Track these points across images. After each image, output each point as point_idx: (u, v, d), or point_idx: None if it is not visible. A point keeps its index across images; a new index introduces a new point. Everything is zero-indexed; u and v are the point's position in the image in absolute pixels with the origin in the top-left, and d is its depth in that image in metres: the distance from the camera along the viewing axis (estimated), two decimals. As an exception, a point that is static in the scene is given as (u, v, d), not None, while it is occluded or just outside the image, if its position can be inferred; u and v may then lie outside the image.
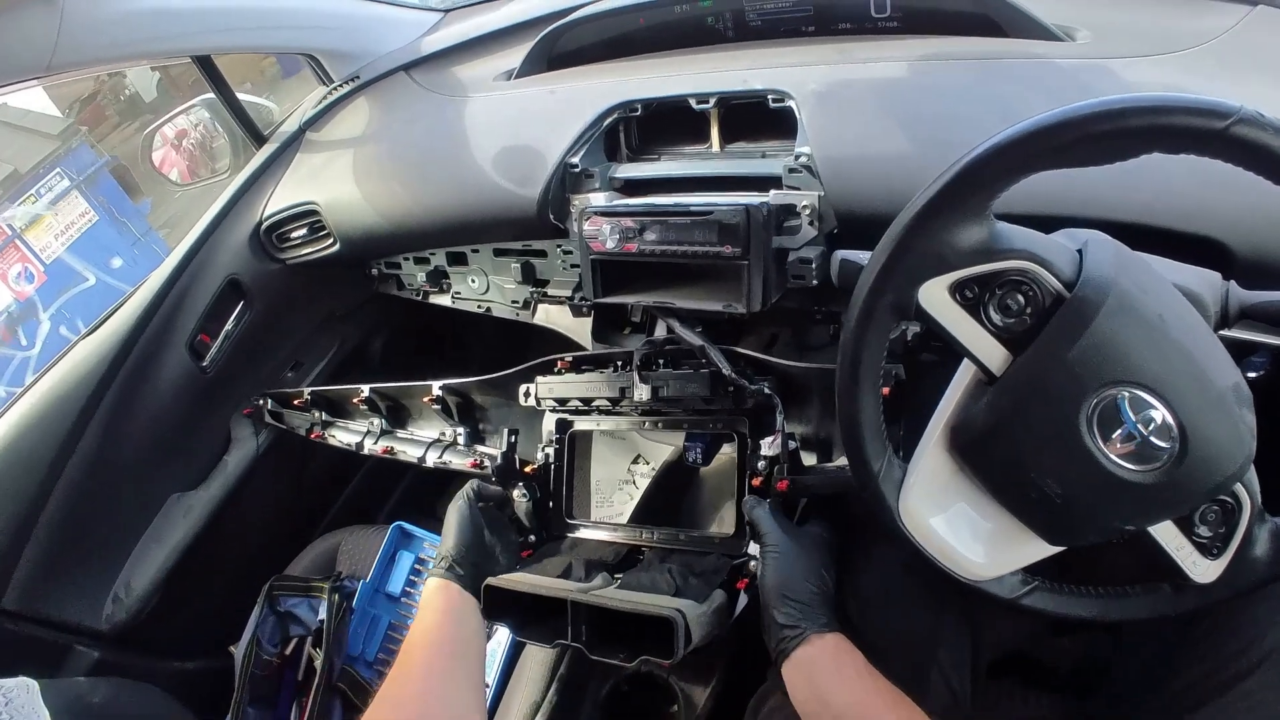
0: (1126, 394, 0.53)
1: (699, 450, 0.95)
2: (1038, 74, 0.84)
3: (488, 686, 1.19)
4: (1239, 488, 0.59)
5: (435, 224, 1.14)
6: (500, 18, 1.27)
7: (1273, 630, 0.71)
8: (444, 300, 1.27)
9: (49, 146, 4.21)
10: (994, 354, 0.57)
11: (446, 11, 1.48)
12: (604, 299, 0.94)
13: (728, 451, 0.96)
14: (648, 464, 1.36)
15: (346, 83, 1.35)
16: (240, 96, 1.40)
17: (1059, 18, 0.90)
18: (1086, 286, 0.53)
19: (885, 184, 0.81)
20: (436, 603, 0.88)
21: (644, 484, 1.50)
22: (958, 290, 0.56)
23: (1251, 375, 0.71)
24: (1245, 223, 0.73)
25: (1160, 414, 0.53)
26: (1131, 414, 0.53)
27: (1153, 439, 0.53)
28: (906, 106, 0.84)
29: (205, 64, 1.31)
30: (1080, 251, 0.57)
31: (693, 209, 0.84)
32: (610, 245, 0.89)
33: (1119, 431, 0.54)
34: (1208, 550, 0.61)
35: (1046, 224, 0.73)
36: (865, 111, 0.84)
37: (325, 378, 1.51)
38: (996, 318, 0.56)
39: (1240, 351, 0.67)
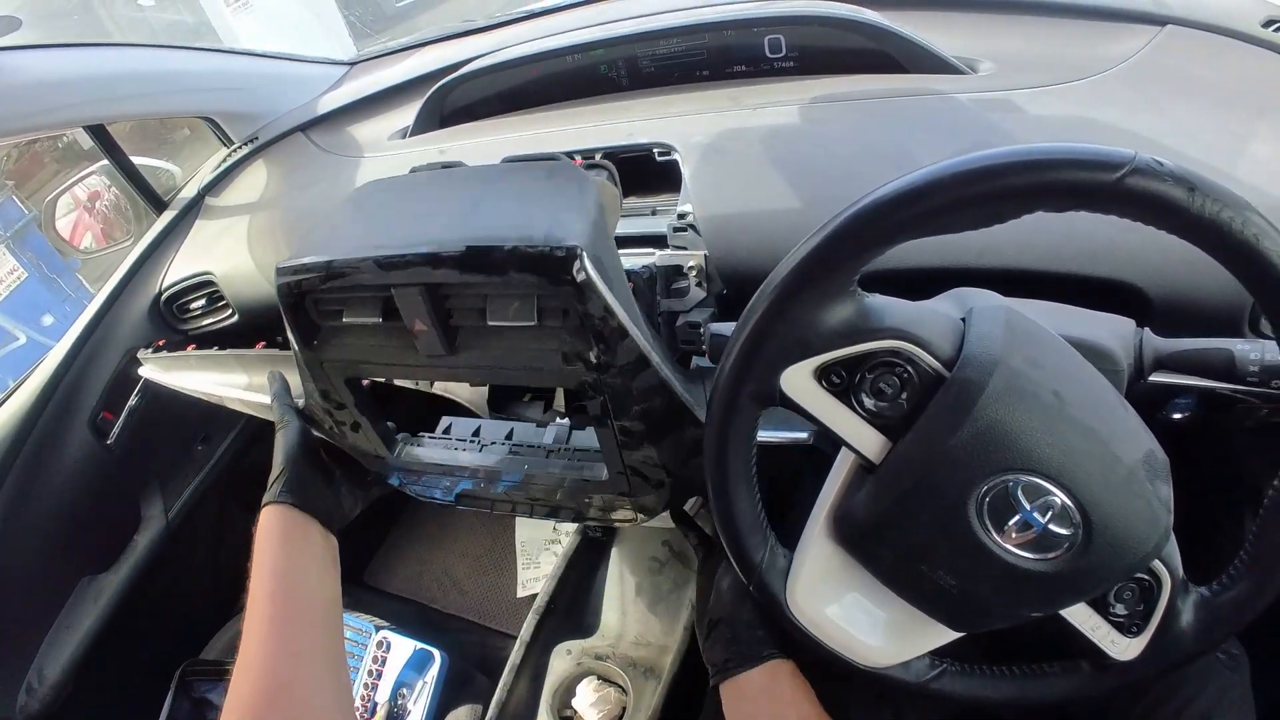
0: (1020, 481, 0.47)
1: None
2: (937, 112, 0.79)
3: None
4: (1156, 563, 0.53)
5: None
6: (400, 72, 1.22)
7: (1205, 691, 0.69)
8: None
9: (-28, 201, 4.11)
10: (870, 441, 0.51)
11: (352, 64, 1.43)
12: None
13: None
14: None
15: (245, 144, 1.30)
16: (139, 161, 1.34)
17: (961, 50, 0.86)
18: (968, 367, 0.48)
19: (768, 243, 0.76)
20: (276, 536, 0.71)
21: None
22: (824, 375, 0.50)
23: (1177, 416, 0.66)
24: (1158, 264, 0.68)
25: (1059, 499, 0.47)
26: (1026, 502, 0.47)
27: (1052, 527, 0.47)
28: (794, 156, 0.79)
29: (97, 131, 1.25)
30: (963, 322, 0.51)
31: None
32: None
33: (1014, 520, 0.48)
34: (1125, 629, 0.55)
35: (938, 279, 0.68)
36: (749, 164, 0.79)
37: (237, 449, 1.44)
38: (869, 403, 0.50)
39: (1164, 394, 0.63)
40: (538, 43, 1.03)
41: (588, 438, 0.77)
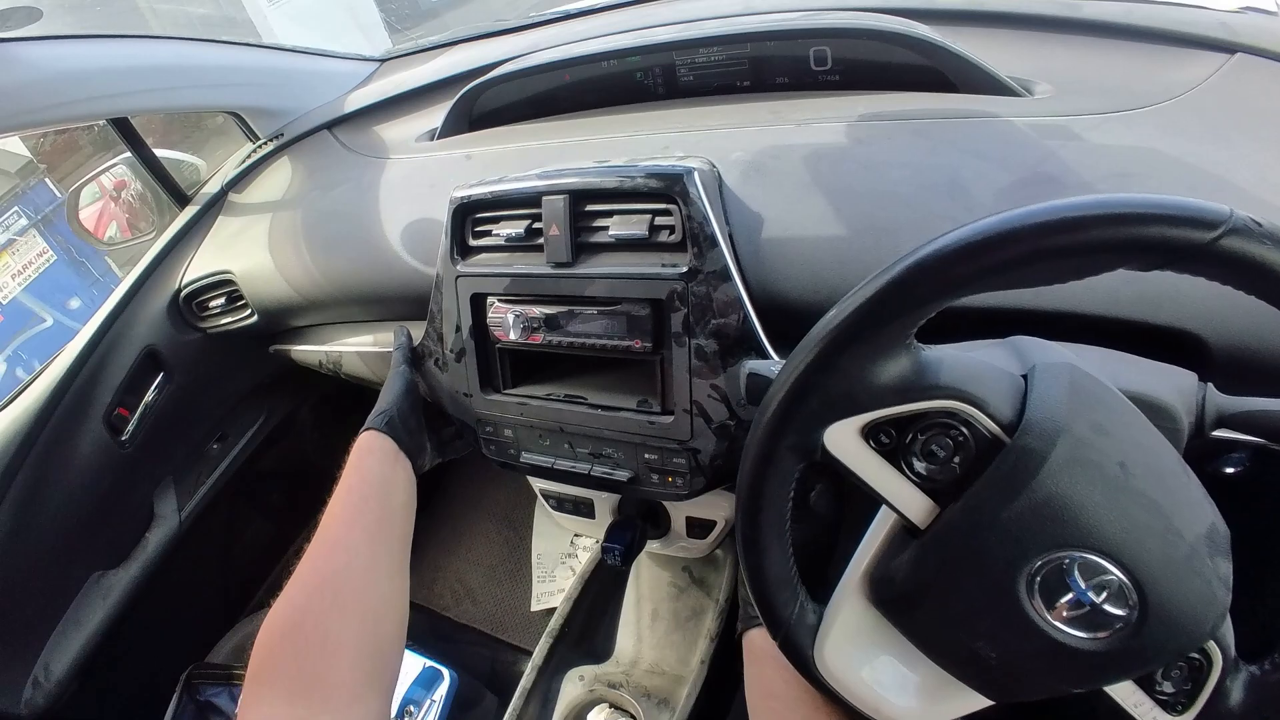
0: (1076, 558, 0.43)
1: (617, 552, 0.86)
2: (991, 137, 0.74)
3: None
4: (1210, 644, 0.49)
5: (343, 298, 1.05)
6: (430, 71, 1.19)
7: None
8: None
9: (7, 184, 4.14)
10: (916, 505, 0.47)
11: (382, 61, 1.40)
12: (511, 392, 0.85)
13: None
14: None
15: (271, 140, 1.27)
16: (163, 154, 1.32)
17: (1015, 70, 0.81)
18: (1030, 433, 0.43)
19: (810, 272, 0.72)
20: (374, 454, 0.79)
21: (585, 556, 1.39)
22: (872, 434, 0.46)
23: (1229, 471, 0.62)
24: (1222, 313, 0.62)
25: (1116, 578, 0.43)
26: (1081, 581, 0.43)
27: (1106, 606, 0.43)
28: (839, 178, 0.74)
29: (120, 124, 1.23)
30: (1025, 380, 0.47)
31: (600, 299, 0.75)
32: (514, 336, 0.80)
33: (1066, 598, 0.44)
34: (1171, 707, 0.51)
35: (987, 320, 0.64)
36: (791, 184, 0.75)
37: (252, 450, 1.42)
38: (919, 466, 0.46)
39: (1217, 448, 0.59)
40: (572, 47, 0.99)
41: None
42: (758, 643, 0.70)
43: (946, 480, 0.46)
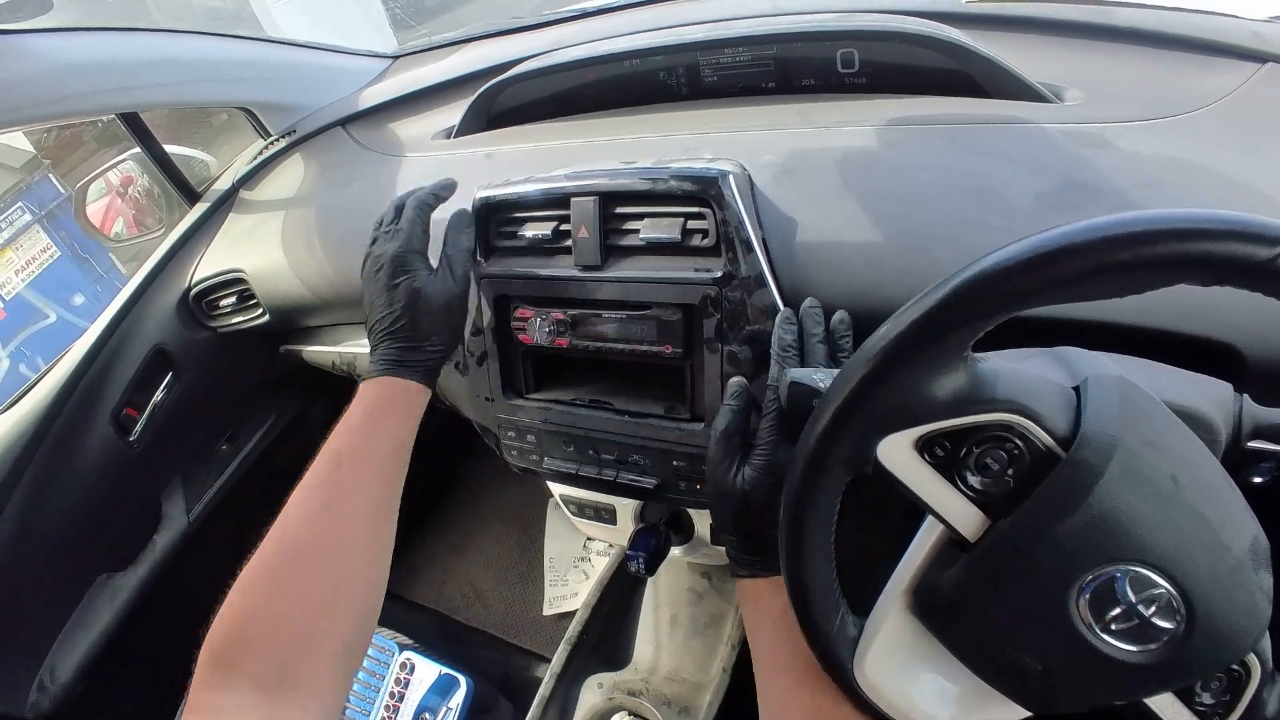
0: (1128, 572, 0.43)
1: (641, 560, 0.84)
2: (1022, 143, 0.73)
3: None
4: (1250, 655, 0.48)
5: (357, 298, 1.03)
6: (445, 68, 1.18)
7: None
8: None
9: (10, 179, 4.12)
10: (967, 518, 0.47)
11: (395, 58, 1.39)
12: (534, 396, 0.84)
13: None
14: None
15: (283, 137, 1.26)
16: (173, 150, 1.31)
17: (1044, 76, 0.80)
18: (1086, 447, 0.43)
19: (844, 280, 0.71)
20: (393, 408, 0.72)
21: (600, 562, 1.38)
22: (926, 447, 0.46)
23: (1258, 480, 0.62)
24: (1259, 324, 0.62)
25: (1165, 591, 0.43)
26: (1131, 594, 0.43)
27: (1155, 620, 0.43)
28: (870, 183, 0.73)
29: (130, 119, 1.22)
30: (1077, 393, 0.46)
31: (628, 302, 0.74)
32: (539, 339, 0.79)
33: (1115, 611, 0.43)
34: (1208, 718, 0.51)
35: (1019, 326, 0.63)
36: (823, 188, 0.74)
37: (262, 451, 1.41)
38: (973, 479, 0.46)
39: (1249, 458, 0.58)
40: (594, 45, 0.98)
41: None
42: (751, 591, 0.67)
43: (999, 493, 0.45)
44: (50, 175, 4.23)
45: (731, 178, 0.72)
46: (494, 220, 0.84)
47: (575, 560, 1.55)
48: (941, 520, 0.47)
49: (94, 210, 1.38)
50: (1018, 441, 0.45)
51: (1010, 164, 0.72)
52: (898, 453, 0.46)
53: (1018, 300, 0.39)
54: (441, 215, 0.82)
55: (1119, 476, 0.42)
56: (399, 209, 0.80)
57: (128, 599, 1.32)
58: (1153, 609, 0.42)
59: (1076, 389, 0.47)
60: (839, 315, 0.69)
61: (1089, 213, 0.66)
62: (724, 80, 0.92)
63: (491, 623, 1.56)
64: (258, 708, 0.54)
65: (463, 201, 0.85)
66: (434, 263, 0.78)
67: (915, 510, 0.50)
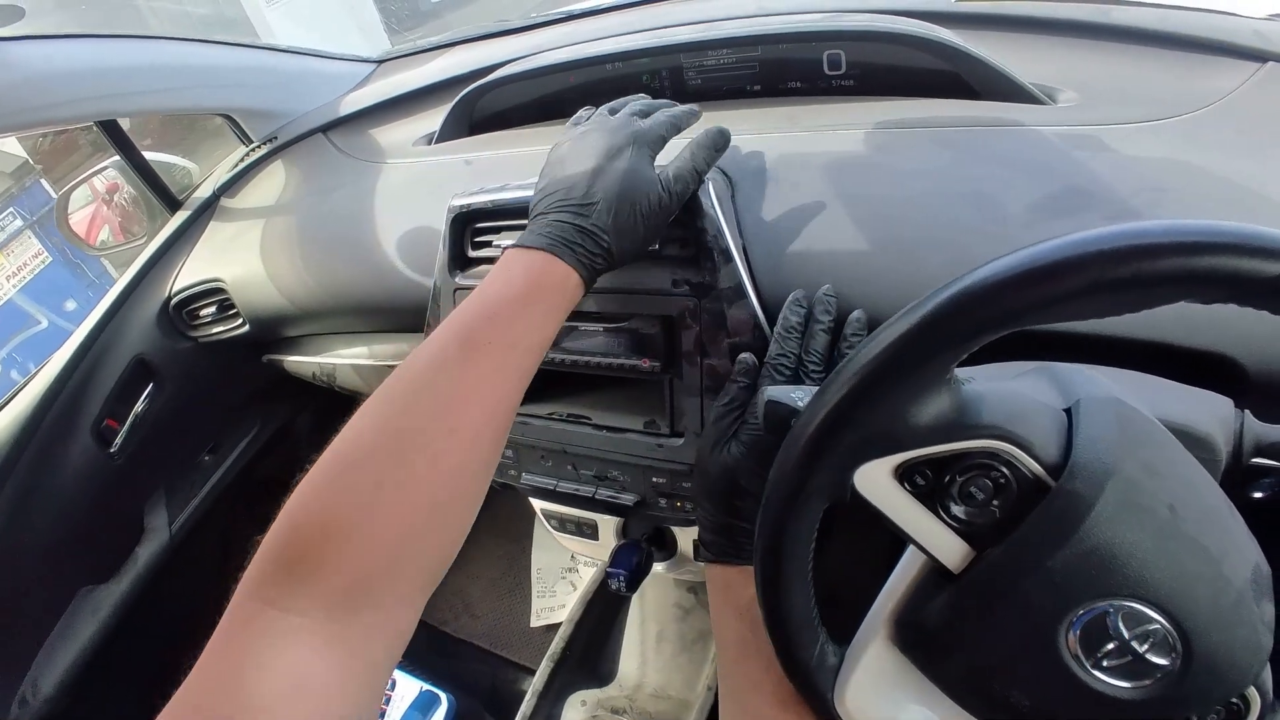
0: (1122, 608, 0.40)
1: (622, 578, 0.82)
2: (1016, 146, 0.70)
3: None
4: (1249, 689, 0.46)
5: (337, 309, 1.02)
6: (428, 73, 1.15)
7: None
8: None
9: (2, 185, 4.10)
10: (951, 549, 0.44)
11: (380, 63, 1.37)
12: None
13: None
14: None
15: (264, 143, 1.24)
16: (153, 157, 1.28)
17: (1038, 76, 0.78)
18: (1078, 477, 0.40)
19: (833, 288, 0.68)
20: (557, 291, 0.59)
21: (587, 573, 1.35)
22: (906, 475, 0.43)
23: (1258, 495, 0.59)
24: (1261, 336, 0.59)
25: (1161, 627, 0.40)
26: (1125, 630, 0.40)
27: (1149, 656, 0.40)
28: (859, 189, 0.71)
29: (109, 126, 1.20)
30: (1068, 415, 0.44)
31: (606, 314, 0.72)
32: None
33: (1108, 647, 0.41)
34: None
35: (1014, 342, 0.60)
36: (808, 195, 0.71)
37: (246, 462, 1.38)
38: (957, 509, 0.43)
39: (1248, 474, 0.55)
40: (576, 48, 0.96)
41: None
42: (720, 580, 0.64)
43: (985, 524, 0.43)
44: (42, 180, 4.23)
45: (711, 184, 0.69)
46: (469, 230, 0.82)
47: (563, 571, 1.53)
48: (924, 551, 0.45)
49: (79, 218, 1.36)
50: (1004, 469, 0.42)
51: (1003, 168, 0.69)
52: (876, 481, 0.43)
53: (1005, 320, 0.36)
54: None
55: (1113, 507, 0.39)
56: (637, 106, 0.71)
57: (110, 612, 1.30)
58: (1147, 645, 0.40)
59: (1069, 411, 0.45)
60: (856, 314, 0.66)
61: (1086, 218, 0.65)
62: (708, 83, 0.90)
63: (479, 634, 1.53)
64: (323, 631, 0.43)
65: (444, 209, 0.83)
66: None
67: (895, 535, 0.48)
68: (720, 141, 0.69)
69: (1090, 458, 0.40)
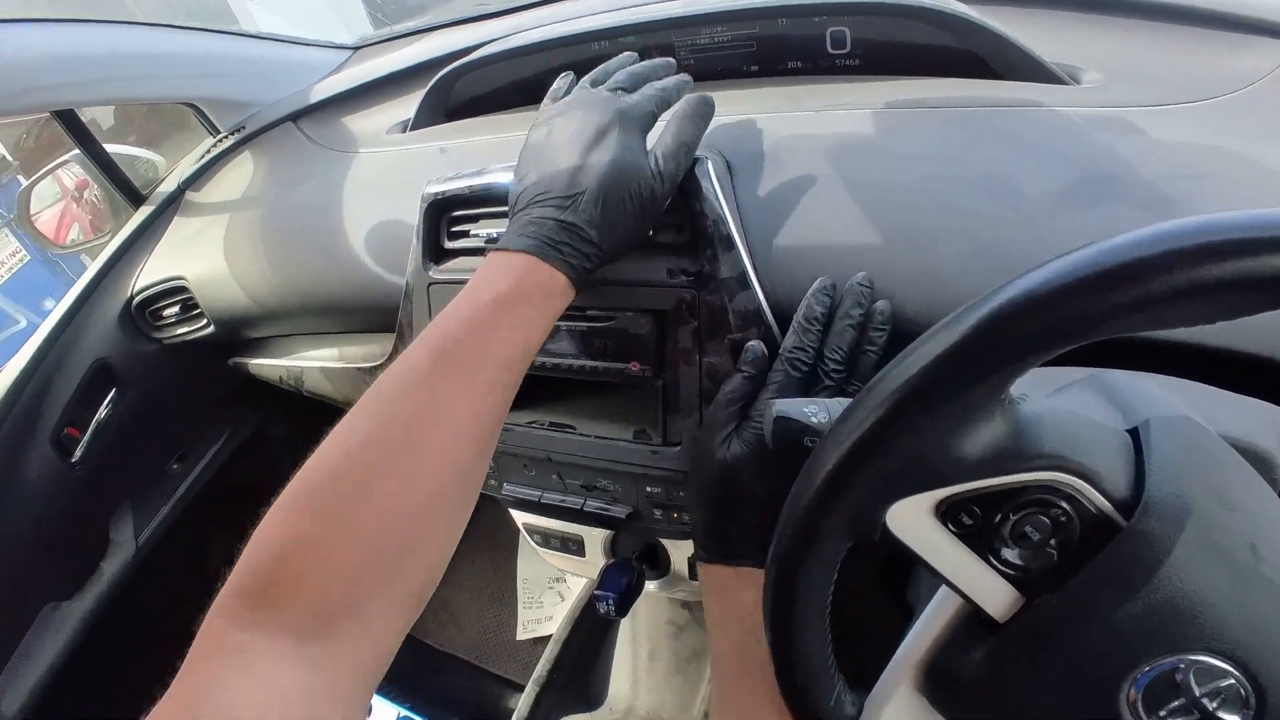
0: (1194, 663, 0.34)
1: (611, 601, 0.76)
2: (1037, 128, 0.64)
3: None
4: None
5: (303, 308, 0.95)
6: (404, 57, 1.08)
7: None
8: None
9: (-24, 182, 4.03)
10: (998, 596, 0.38)
11: (356, 49, 1.30)
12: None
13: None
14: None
15: (231, 134, 1.16)
16: (115, 149, 1.21)
17: (1058, 55, 0.71)
18: (1152, 514, 0.34)
19: (838, 280, 0.62)
20: (537, 290, 0.55)
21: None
22: (949, 514, 0.36)
23: None
24: None
25: (1235, 682, 0.34)
26: (1196, 687, 0.34)
27: (1219, 713, 0.34)
28: (868, 174, 0.64)
29: (66, 117, 1.13)
30: (1134, 438, 0.37)
31: (589, 312, 0.65)
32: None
33: (1173, 704, 0.35)
34: None
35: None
36: (814, 180, 0.65)
37: (217, 469, 1.32)
38: (1008, 553, 0.36)
39: None
40: (557, 26, 0.89)
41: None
42: (716, 581, 0.61)
43: (1038, 568, 0.37)
44: (19, 177, 4.14)
45: (710, 165, 0.63)
46: (444, 220, 0.76)
47: (550, 582, 1.47)
48: (965, 598, 0.38)
49: (47, 217, 1.30)
50: (1065, 505, 0.35)
51: (1024, 152, 0.63)
52: (913, 519, 0.36)
53: (1070, 332, 0.30)
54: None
55: (1192, 551, 0.34)
56: (622, 79, 0.64)
57: (76, 629, 1.24)
58: (1218, 702, 0.34)
59: (1132, 432, 0.39)
60: (881, 305, 0.60)
61: (1117, 207, 0.58)
62: (702, 63, 0.83)
63: (463, 646, 1.47)
64: (297, 659, 0.41)
65: (412, 202, 0.77)
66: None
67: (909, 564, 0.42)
68: (705, 109, 0.63)
69: (1166, 493, 0.34)
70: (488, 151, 0.84)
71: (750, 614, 0.55)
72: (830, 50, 0.78)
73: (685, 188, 0.63)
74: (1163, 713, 0.35)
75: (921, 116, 0.67)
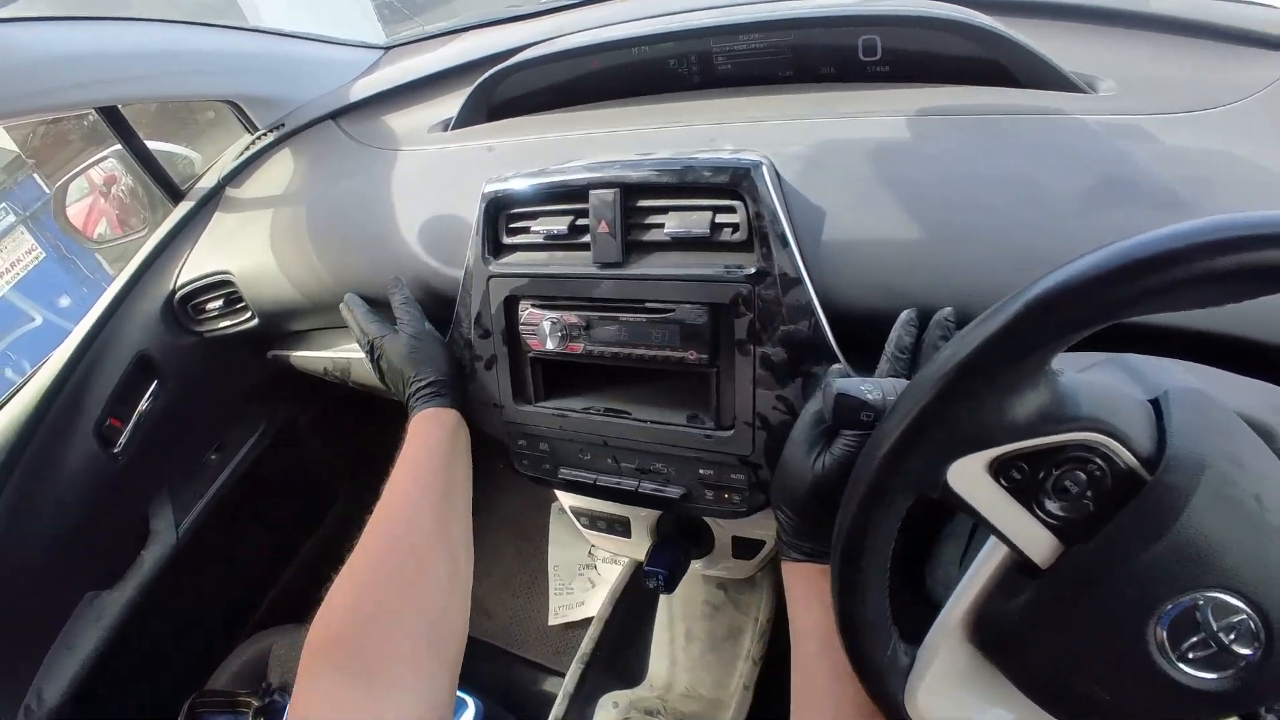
0: (1211, 599, 0.40)
1: (661, 577, 0.80)
2: (1059, 135, 0.69)
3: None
4: None
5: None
6: (440, 58, 1.13)
7: None
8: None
9: (-7, 180, 4.04)
10: (1041, 544, 0.43)
11: (387, 49, 1.34)
12: (544, 405, 0.79)
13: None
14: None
15: (270, 131, 1.20)
16: (156, 146, 1.25)
17: (1076, 64, 0.76)
18: (1174, 470, 0.40)
19: (880, 279, 0.67)
20: (435, 431, 0.77)
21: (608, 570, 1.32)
22: (1002, 470, 0.42)
23: None
24: None
25: (1246, 617, 0.40)
26: (1213, 622, 0.40)
27: (1233, 646, 0.40)
28: (904, 176, 0.69)
29: (110, 113, 1.16)
30: (1155, 407, 0.43)
31: (649, 304, 0.70)
32: (551, 345, 0.75)
33: (1194, 639, 0.41)
34: None
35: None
36: (854, 182, 0.70)
37: (252, 460, 1.35)
38: (1051, 505, 0.42)
39: None
40: (600, 31, 0.93)
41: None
42: (801, 572, 0.65)
43: (1076, 518, 0.42)
44: (35, 175, 4.14)
45: (764, 168, 0.68)
46: (503, 216, 0.80)
47: (580, 568, 1.51)
48: (1012, 546, 0.44)
49: (76, 210, 1.32)
50: (1100, 462, 0.41)
51: (1047, 157, 0.68)
52: (970, 476, 0.42)
53: (1106, 311, 0.36)
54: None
55: (1208, 499, 0.39)
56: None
57: (116, 618, 1.26)
58: (1232, 636, 0.40)
59: (1153, 403, 0.44)
60: (945, 312, 0.64)
61: (1134, 209, 0.63)
62: (738, 69, 0.88)
63: (495, 633, 1.51)
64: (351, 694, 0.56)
65: (468, 195, 0.81)
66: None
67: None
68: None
69: (1185, 449, 0.40)
70: (533, 150, 0.88)
71: (811, 606, 0.61)
72: (862, 58, 0.83)
73: (743, 189, 0.68)
74: (1185, 647, 0.40)
75: (952, 122, 0.72)
